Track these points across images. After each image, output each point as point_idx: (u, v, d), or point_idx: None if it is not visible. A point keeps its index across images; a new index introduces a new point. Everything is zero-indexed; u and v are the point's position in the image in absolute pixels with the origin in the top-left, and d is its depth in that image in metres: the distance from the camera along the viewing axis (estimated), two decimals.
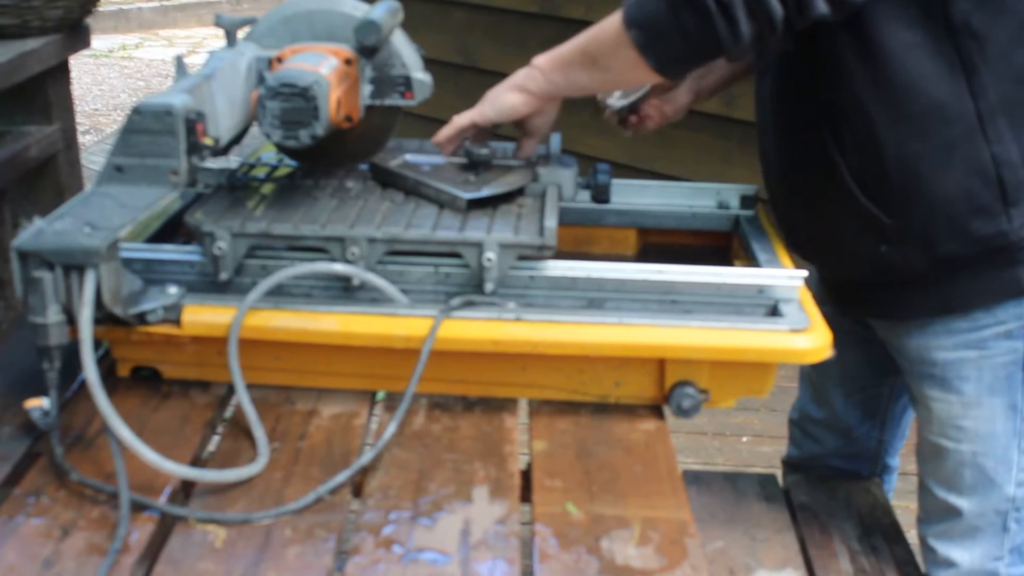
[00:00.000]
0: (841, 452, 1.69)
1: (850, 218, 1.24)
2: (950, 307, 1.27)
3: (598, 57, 1.23)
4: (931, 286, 1.26)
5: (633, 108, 1.43)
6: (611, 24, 1.20)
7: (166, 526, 0.97)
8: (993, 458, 1.32)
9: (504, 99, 1.27)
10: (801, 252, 1.37)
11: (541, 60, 1.26)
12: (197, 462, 1.07)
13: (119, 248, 1.02)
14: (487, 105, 1.29)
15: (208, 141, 1.08)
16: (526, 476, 1.07)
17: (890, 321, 1.36)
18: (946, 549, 1.39)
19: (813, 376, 1.67)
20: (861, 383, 1.62)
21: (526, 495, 1.05)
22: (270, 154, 1.40)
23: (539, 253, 1.16)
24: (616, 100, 1.42)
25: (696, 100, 1.48)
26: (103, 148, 5.04)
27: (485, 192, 1.24)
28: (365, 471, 1.06)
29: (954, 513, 1.37)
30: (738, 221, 1.41)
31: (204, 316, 1.11)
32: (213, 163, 1.24)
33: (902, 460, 2.69)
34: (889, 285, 1.29)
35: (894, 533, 1.56)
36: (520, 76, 1.27)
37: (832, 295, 1.41)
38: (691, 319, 1.13)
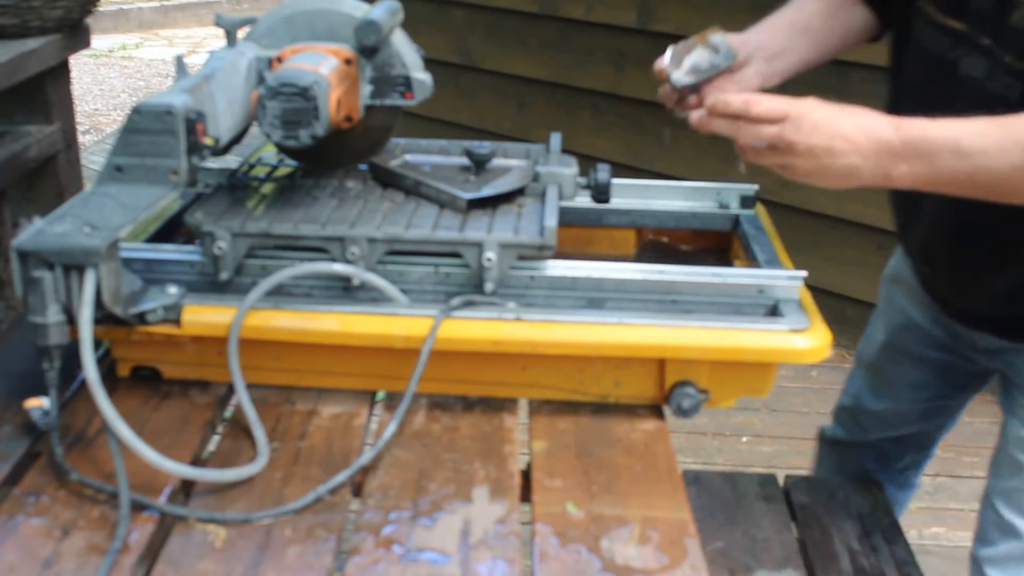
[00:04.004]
0: (889, 439, 1.67)
1: None
2: None
3: (993, 188, 1.06)
4: None
5: (696, 88, 1.28)
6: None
7: (166, 526, 0.97)
8: None
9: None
10: (936, 274, 1.31)
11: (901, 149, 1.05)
12: (197, 462, 1.07)
13: (119, 248, 1.02)
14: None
15: (208, 141, 1.08)
16: (526, 476, 1.07)
17: (1019, 344, 1.33)
18: (999, 574, 1.35)
19: (882, 371, 1.60)
20: (934, 392, 1.57)
21: (526, 495, 1.05)
22: (270, 154, 1.40)
23: (539, 253, 1.16)
24: (682, 76, 1.26)
25: (764, 84, 1.32)
26: (103, 148, 5.04)
27: (485, 192, 1.24)
28: (365, 471, 1.06)
29: (1014, 535, 1.33)
30: (738, 221, 1.41)
31: (204, 316, 1.11)
32: (213, 163, 1.24)
33: None
34: None
35: (894, 533, 1.56)
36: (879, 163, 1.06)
37: (949, 311, 1.37)
38: (691, 319, 1.13)
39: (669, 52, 1.26)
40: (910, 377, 1.55)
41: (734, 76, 1.28)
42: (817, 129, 1.05)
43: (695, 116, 1.16)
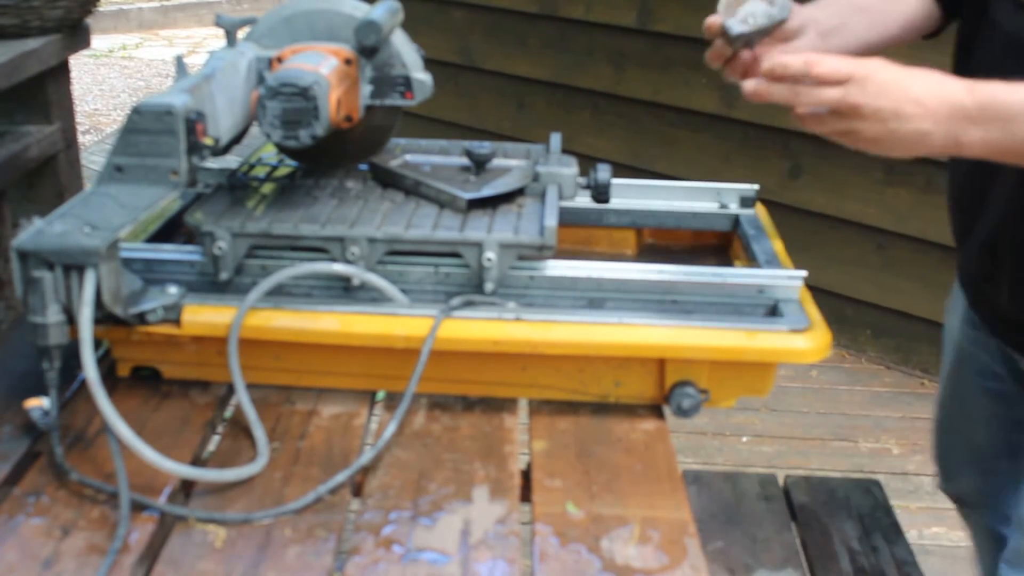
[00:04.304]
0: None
1: None
2: None
3: None
4: None
5: (750, 43, 1.18)
6: None
7: (166, 526, 0.97)
8: None
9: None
10: (998, 280, 1.25)
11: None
12: (197, 462, 1.07)
13: (119, 248, 1.02)
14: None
15: (208, 141, 1.08)
16: (526, 476, 1.07)
17: None
18: None
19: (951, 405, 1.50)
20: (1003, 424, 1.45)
21: (526, 495, 1.05)
22: (270, 154, 1.40)
23: (539, 253, 1.16)
24: (737, 23, 1.16)
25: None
26: (103, 148, 5.04)
27: (485, 192, 1.24)
28: (365, 471, 1.06)
29: None
30: (738, 221, 1.41)
31: (204, 316, 1.11)
32: (213, 163, 1.24)
33: (903, 461, 2.69)
34: None
35: (894, 533, 1.56)
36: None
37: (1002, 332, 1.32)
38: (691, 319, 1.13)
39: (723, 4, 1.18)
40: (976, 410, 1.45)
41: (788, 45, 1.21)
42: (885, 91, 0.99)
43: (750, 85, 1.06)
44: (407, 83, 1.23)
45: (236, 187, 1.28)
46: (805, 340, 1.11)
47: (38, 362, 1.00)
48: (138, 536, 0.94)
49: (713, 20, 1.16)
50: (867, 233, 3.12)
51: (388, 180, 1.31)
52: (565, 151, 1.38)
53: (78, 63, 6.55)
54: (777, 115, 3.19)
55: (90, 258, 0.97)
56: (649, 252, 1.45)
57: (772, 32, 1.19)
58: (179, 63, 1.20)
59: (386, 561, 0.93)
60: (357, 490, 1.04)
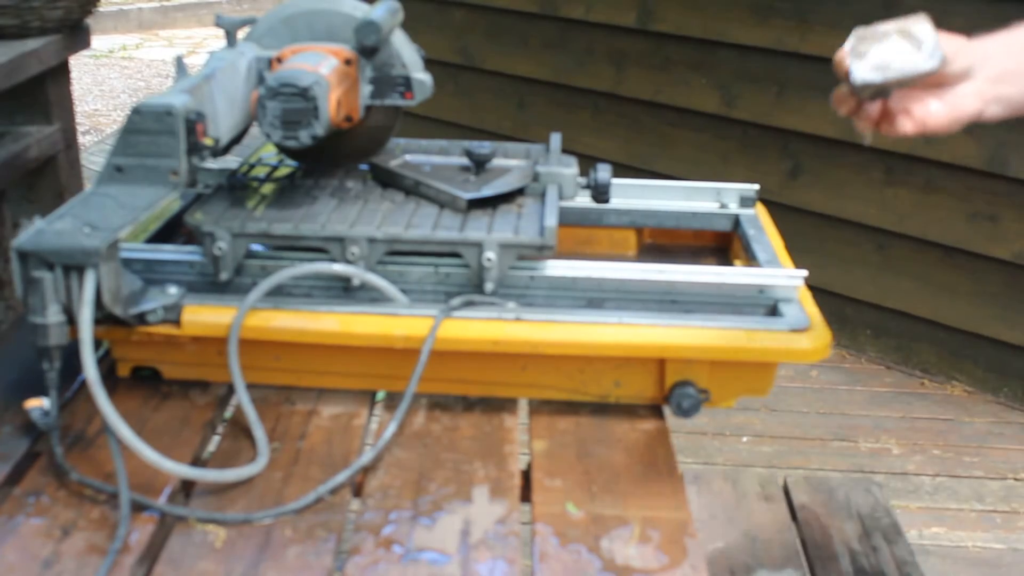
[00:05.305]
0: None
1: None
2: None
3: None
4: None
5: (883, 92, 0.95)
6: None
7: (166, 526, 0.97)
8: None
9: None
10: None
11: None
12: (197, 462, 1.07)
13: (119, 248, 1.02)
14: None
15: (208, 141, 1.08)
16: (526, 476, 1.07)
17: None
18: None
19: None
20: None
21: (526, 495, 1.05)
22: (270, 154, 1.40)
23: (539, 253, 1.16)
24: (866, 71, 0.93)
25: (984, 111, 0.96)
26: (103, 148, 5.04)
27: (485, 192, 1.24)
28: (365, 471, 1.06)
29: None
30: (738, 221, 1.41)
31: (204, 316, 1.11)
32: (213, 163, 1.24)
33: (903, 461, 2.69)
34: None
35: (894, 533, 1.56)
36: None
37: None
38: (691, 319, 1.13)
39: (853, 37, 0.95)
40: None
41: (944, 92, 0.95)
42: None
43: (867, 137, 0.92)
44: (407, 83, 1.23)
45: (236, 187, 1.28)
46: (805, 340, 1.11)
47: (38, 362, 1.00)
48: (138, 536, 0.94)
49: (840, 57, 0.94)
50: (867, 233, 3.12)
51: (388, 180, 1.31)
52: (565, 151, 1.38)
53: (78, 63, 6.55)
54: (777, 115, 3.20)
55: (90, 258, 0.97)
56: (649, 252, 1.45)
57: (915, 83, 0.94)
58: (179, 63, 1.20)
59: (386, 561, 0.93)
60: (357, 490, 1.04)
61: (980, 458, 2.71)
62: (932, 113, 0.95)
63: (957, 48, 0.94)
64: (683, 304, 1.18)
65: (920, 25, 0.93)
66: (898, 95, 0.95)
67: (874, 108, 0.96)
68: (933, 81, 0.94)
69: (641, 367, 1.16)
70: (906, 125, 0.95)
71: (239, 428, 1.11)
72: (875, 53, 0.93)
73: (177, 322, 1.10)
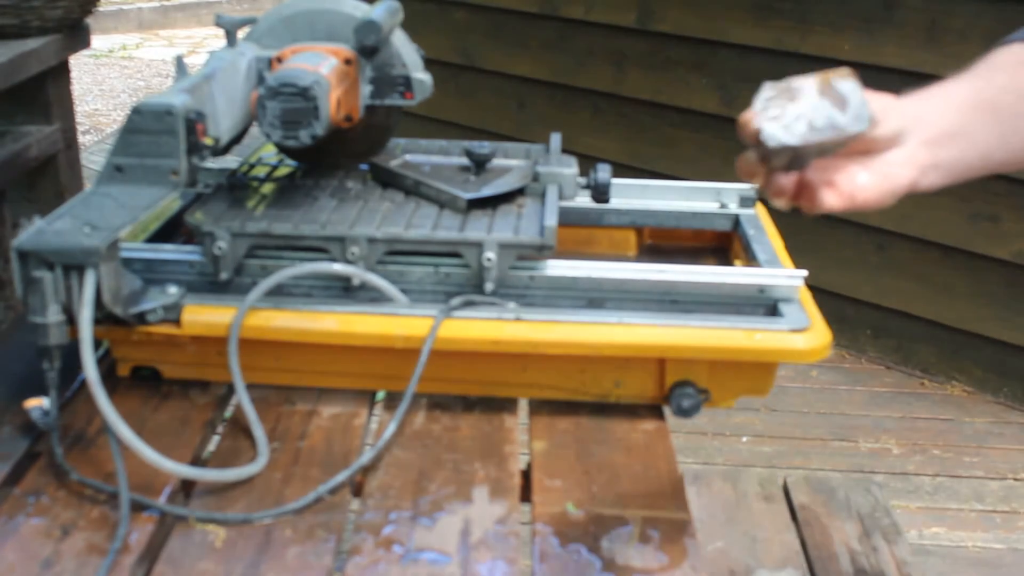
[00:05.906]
0: None
1: None
2: None
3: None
4: None
5: (799, 161, 0.82)
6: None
7: (166, 526, 0.97)
8: None
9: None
10: None
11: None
12: (197, 462, 1.07)
13: (119, 248, 1.02)
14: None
15: (208, 141, 1.08)
16: (526, 476, 1.07)
17: None
18: None
19: None
20: None
21: (526, 495, 1.05)
22: (270, 154, 1.40)
23: (539, 253, 1.16)
24: (779, 131, 0.78)
25: (919, 181, 0.85)
26: (103, 148, 5.04)
27: (485, 192, 1.24)
28: (365, 471, 1.06)
29: None
30: (738, 221, 1.41)
31: (204, 316, 1.11)
32: (213, 163, 1.24)
33: (903, 461, 2.69)
34: None
35: (894, 533, 1.56)
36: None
37: None
38: (691, 319, 1.13)
39: (764, 93, 0.81)
40: None
41: (873, 160, 0.83)
42: None
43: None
44: (407, 83, 1.23)
45: (236, 187, 1.28)
46: (805, 340, 1.11)
47: (38, 362, 1.00)
48: (138, 536, 0.94)
49: (747, 118, 0.80)
50: (867, 233, 3.12)
51: (388, 180, 1.31)
52: (565, 151, 1.38)
53: (78, 63, 6.56)
54: None
55: (90, 258, 0.97)
56: (649, 252, 1.45)
57: (838, 150, 0.81)
58: (179, 63, 1.20)
59: (386, 561, 0.93)
60: (357, 490, 1.04)
61: (980, 458, 2.71)
62: (860, 186, 0.82)
63: (885, 107, 0.82)
64: (683, 304, 1.18)
65: (844, 82, 0.80)
66: (817, 165, 0.82)
67: (788, 180, 0.82)
68: (858, 147, 0.81)
69: (641, 367, 1.16)
70: (830, 199, 0.82)
71: (239, 428, 1.11)
72: (791, 113, 0.79)
73: (177, 322, 1.10)
